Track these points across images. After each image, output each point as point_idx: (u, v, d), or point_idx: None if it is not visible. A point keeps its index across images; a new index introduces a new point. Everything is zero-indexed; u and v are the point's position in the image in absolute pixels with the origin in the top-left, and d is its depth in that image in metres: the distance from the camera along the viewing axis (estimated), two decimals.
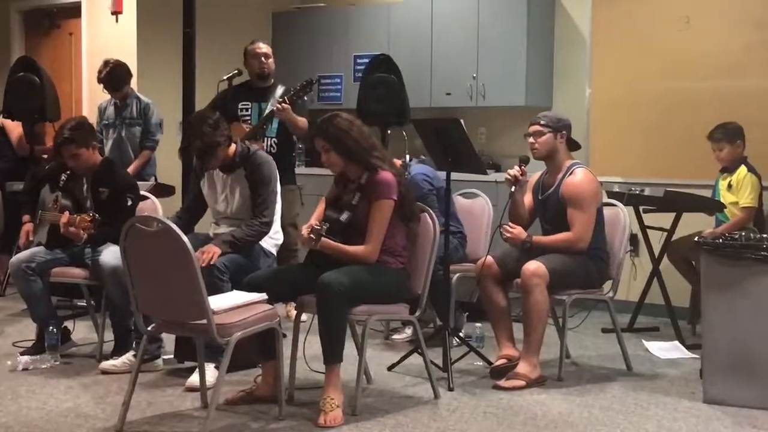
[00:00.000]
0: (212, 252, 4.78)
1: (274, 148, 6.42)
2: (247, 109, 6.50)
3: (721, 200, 6.08)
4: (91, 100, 8.17)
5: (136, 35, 8.02)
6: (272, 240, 5.13)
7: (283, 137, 6.47)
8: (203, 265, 4.62)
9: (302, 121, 6.32)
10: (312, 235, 4.38)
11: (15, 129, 7.67)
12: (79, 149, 5.35)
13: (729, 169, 6.11)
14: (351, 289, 4.35)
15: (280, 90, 6.49)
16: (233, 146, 5.04)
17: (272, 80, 6.59)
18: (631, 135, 7.12)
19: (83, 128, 5.44)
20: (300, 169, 8.23)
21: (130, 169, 6.74)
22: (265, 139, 6.40)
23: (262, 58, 6.50)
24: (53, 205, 5.50)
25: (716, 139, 6.12)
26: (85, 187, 5.46)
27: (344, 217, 4.54)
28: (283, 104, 6.15)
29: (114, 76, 7.01)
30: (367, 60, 7.72)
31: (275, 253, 5.20)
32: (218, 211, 5.17)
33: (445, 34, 7.78)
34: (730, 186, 6.05)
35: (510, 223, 5.17)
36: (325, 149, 4.60)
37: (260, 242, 5.03)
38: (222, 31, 8.13)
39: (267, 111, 6.39)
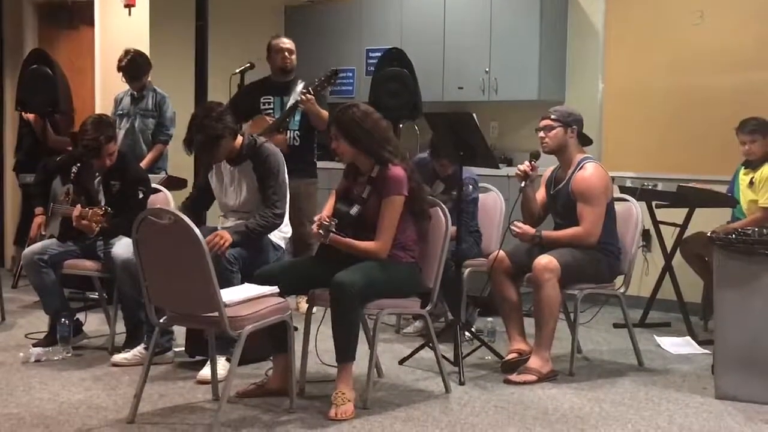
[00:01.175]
0: (224, 238, 4.78)
1: (296, 141, 6.49)
2: (269, 103, 6.59)
3: (741, 196, 6.04)
4: (103, 92, 8.17)
5: (149, 28, 8.01)
6: (281, 233, 5.12)
7: (305, 130, 6.52)
8: (214, 249, 4.65)
9: (325, 113, 6.37)
10: (321, 231, 4.38)
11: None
12: (116, 145, 5.42)
13: (753, 164, 6.04)
14: (365, 288, 4.35)
15: (300, 85, 6.54)
16: (240, 138, 5.03)
17: (293, 75, 6.63)
18: (644, 130, 7.09)
19: (112, 125, 5.49)
20: None
21: (144, 163, 6.75)
22: (288, 131, 6.45)
23: (286, 54, 6.59)
24: (65, 198, 5.51)
25: (749, 131, 5.99)
26: (97, 179, 5.47)
27: (354, 210, 4.54)
28: (308, 95, 6.19)
29: (135, 64, 7.01)
30: (379, 54, 7.72)
31: (284, 246, 5.20)
32: (226, 205, 5.17)
33: (457, 28, 7.77)
34: (751, 183, 5.99)
35: (517, 221, 5.17)
36: (336, 137, 4.60)
37: (269, 235, 5.03)
38: (235, 24, 8.12)
39: (291, 103, 6.43)
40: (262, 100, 6.58)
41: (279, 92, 6.59)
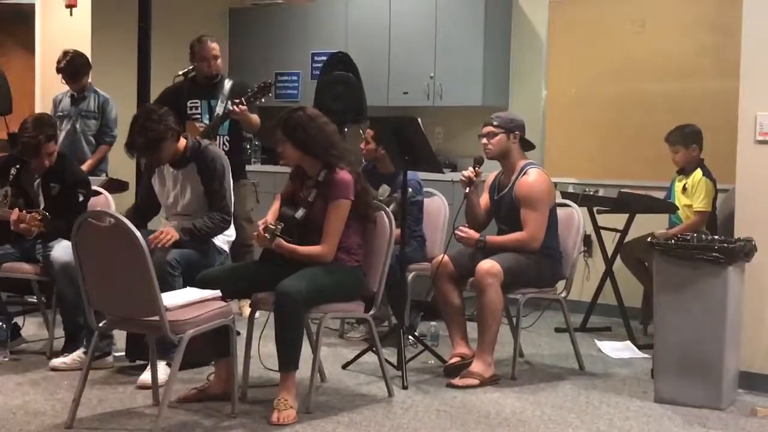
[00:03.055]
0: (170, 234, 4.75)
1: (226, 146, 6.37)
2: (196, 107, 6.41)
3: (676, 202, 6.15)
4: (43, 93, 8.06)
5: (91, 29, 7.93)
6: (225, 237, 5.09)
7: (235, 134, 6.44)
8: (159, 245, 4.63)
9: (255, 118, 6.31)
10: (266, 234, 4.36)
11: None
12: (56, 145, 5.33)
13: (685, 171, 6.17)
14: (309, 295, 4.33)
15: (228, 84, 6.41)
16: (183, 141, 4.99)
17: (219, 77, 6.49)
18: (586, 136, 7.17)
19: (53, 125, 5.41)
20: (255, 166, 8.23)
21: (87, 165, 6.67)
22: (218, 137, 6.36)
23: (212, 62, 6.38)
24: (3, 201, 5.41)
25: (672, 142, 6.19)
26: (37, 181, 5.39)
27: (299, 214, 4.52)
28: (240, 106, 6.11)
29: (74, 65, 6.92)
30: (324, 57, 7.73)
31: (228, 250, 5.16)
32: (169, 207, 5.12)
33: (403, 33, 7.79)
34: (685, 189, 6.11)
35: (462, 226, 5.20)
36: (282, 141, 4.60)
37: (213, 239, 4.99)
38: (178, 26, 8.06)
39: (222, 111, 6.30)
40: (188, 104, 6.39)
41: (206, 95, 6.40)
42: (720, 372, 4.63)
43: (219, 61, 6.44)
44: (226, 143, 6.39)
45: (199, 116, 6.40)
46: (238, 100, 6.15)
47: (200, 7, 8.62)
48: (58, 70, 6.95)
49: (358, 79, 7.17)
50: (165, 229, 4.80)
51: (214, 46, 6.41)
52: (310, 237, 4.51)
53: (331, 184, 4.52)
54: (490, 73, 7.43)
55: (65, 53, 6.95)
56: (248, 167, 7.09)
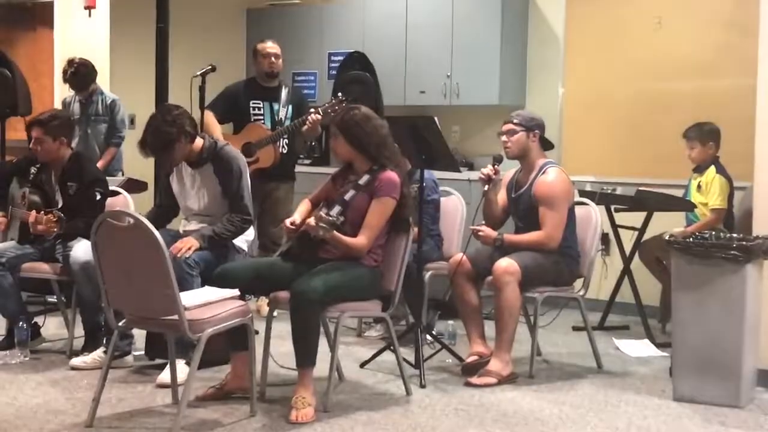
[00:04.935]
0: (190, 244, 4.77)
1: (285, 149, 6.56)
2: (259, 108, 6.57)
3: (693, 199, 6.13)
4: (62, 94, 8.10)
5: (109, 30, 7.96)
6: (243, 236, 5.10)
7: (291, 138, 6.60)
8: (179, 255, 4.66)
9: (319, 128, 6.52)
10: (323, 224, 4.37)
11: None
12: (44, 136, 5.33)
13: (700, 169, 6.16)
14: (325, 294, 4.35)
15: (284, 90, 6.62)
16: (200, 141, 5.00)
17: (279, 80, 6.67)
18: (604, 134, 7.16)
19: (57, 119, 5.45)
20: None
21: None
22: (280, 139, 6.55)
23: (272, 58, 6.60)
24: (21, 202, 5.45)
25: (689, 138, 6.18)
26: (54, 181, 5.42)
27: (335, 211, 4.54)
28: (316, 115, 6.27)
29: (79, 76, 6.96)
30: (341, 57, 7.74)
31: (246, 250, 5.18)
32: (188, 208, 5.14)
33: (419, 33, 7.79)
34: (699, 186, 6.10)
35: (479, 224, 5.20)
36: (335, 135, 4.67)
37: None
38: (196, 26, 8.09)
39: (284, 115, 6.50)
40: (251, 105, 6.57)
41: (268, 98, 6.59)
42: (739, 370, 4.62)
43: (280, 61, 6.65)
44: (285, 146, 6.56)
45: (261, 117, 6.54)
46: (313, 110, 6.32)
47: (218, 8, 8.65)
48: (65, 81, 7.00)
49: (374, 79, 7.18)
50: (185, 239, 4.83)
51: (275, 46, 6.65)
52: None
53: (378, 182, 4.56)
54: (507, 71, 7.43)
55: (70, 63, 6.99)
56: None
